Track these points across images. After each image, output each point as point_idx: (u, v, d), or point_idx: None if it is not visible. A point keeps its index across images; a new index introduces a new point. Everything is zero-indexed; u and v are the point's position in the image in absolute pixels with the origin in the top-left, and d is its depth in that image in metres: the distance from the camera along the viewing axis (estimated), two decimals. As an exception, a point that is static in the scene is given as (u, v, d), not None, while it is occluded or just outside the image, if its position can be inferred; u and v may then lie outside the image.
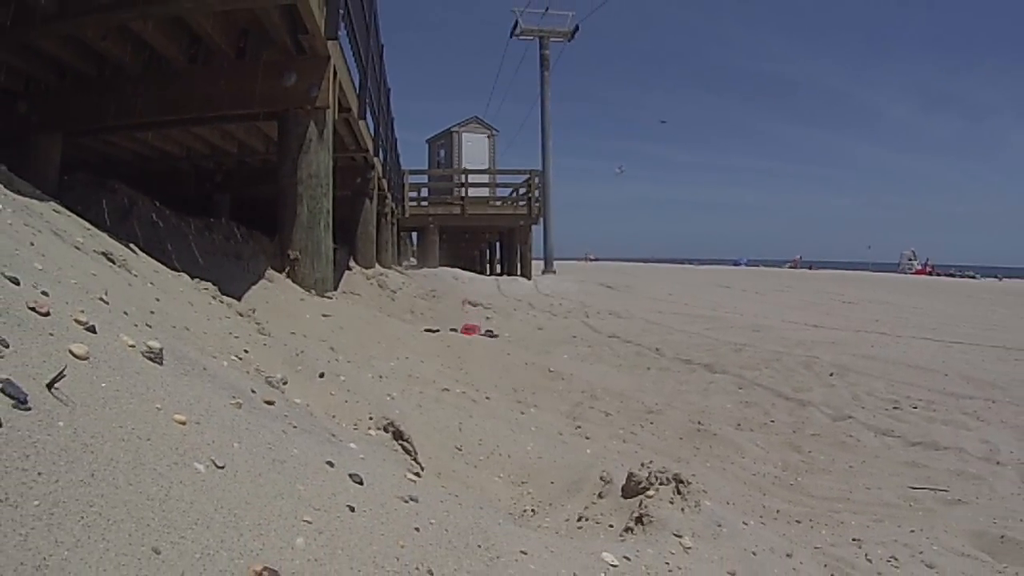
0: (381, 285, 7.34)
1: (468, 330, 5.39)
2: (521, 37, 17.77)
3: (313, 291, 4.16)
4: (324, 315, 3.70)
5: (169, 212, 5.57)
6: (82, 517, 0.67)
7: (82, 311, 1.11)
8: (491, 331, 5.85)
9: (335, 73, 4.30)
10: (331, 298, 4.34)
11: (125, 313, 1.48)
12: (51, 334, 0.96)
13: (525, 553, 1.10)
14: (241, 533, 0.78)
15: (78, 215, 2.45)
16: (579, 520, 1.71)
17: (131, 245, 2.67)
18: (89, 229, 2.36)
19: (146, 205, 5.42)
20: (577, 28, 17.56)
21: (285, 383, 1.92)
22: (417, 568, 0.91)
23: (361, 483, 1.07)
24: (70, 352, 0.93)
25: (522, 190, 15.83)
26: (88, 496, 0.69)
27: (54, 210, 2.24)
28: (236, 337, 2.23)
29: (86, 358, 0.95)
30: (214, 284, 2.91)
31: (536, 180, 15.34)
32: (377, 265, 8.84)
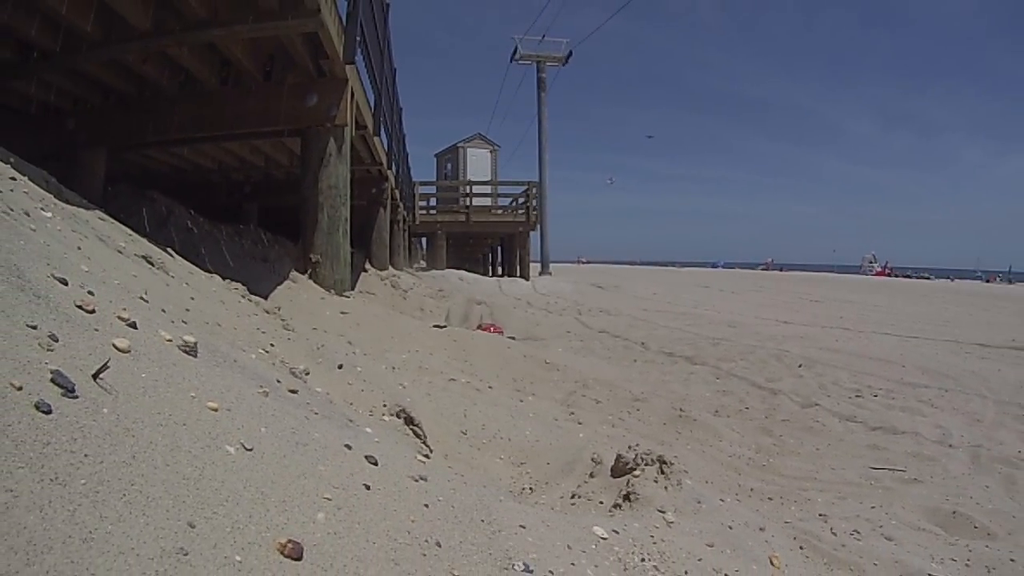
0: (394, 285, 7.33)
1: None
2: (520, 62, 17.77)
3: (333, 291, 4.16)
4: (343, 312, 3.70)
5: (202, 219, 5.58)
6: (124, 494, 0.67)
7: (124, 309, 1.11)
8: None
9: (352, 94, 4.31)
10: (349, 297, 4.33)
11: (163, 311, 1.48)
12: (96, 329, 0.96)
13: (524, 527, 1.10)
14: (268, 509, 0.78)
15: (121, 222, 2.45)
16: (572, 497, 1.71)
17: (168, 249, 2.67)
18: (130, 235, 2.36)
19: (182, 213, 5.43)
20: (571, 54, 17.58)
21: (307, 374, 1.92)
22: (426, 540, 0.91)
23: (376, 464, 1.07)
24: (113, 346, 0.94)
25: (521, 200, 15.83)
26: (130, 476, 0.69)
27: (99, 218, 2.24)
28: (263, 332, 2.22)
29: (128, 351, 0.95)
30: (243, 284, 2.90)
31: (534, 190, 15.37)
32: (390, 267, 8.83)
